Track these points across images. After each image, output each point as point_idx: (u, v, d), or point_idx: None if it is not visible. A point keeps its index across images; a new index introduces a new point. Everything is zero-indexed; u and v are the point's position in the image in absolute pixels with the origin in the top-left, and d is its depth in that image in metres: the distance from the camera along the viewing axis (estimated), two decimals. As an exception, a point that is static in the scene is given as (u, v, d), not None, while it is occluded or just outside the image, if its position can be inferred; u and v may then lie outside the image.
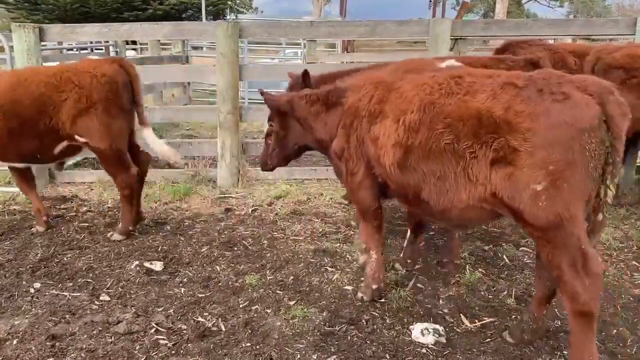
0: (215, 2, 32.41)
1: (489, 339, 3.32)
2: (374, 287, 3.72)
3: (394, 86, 3.27)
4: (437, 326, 3.36)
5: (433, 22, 5.83)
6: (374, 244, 3.70)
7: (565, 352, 3.19)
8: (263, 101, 4.05)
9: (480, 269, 4.25)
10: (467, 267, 4.26)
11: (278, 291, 3.88)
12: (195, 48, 15.76)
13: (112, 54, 8.68)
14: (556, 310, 3.64)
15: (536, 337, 3.25)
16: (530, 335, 3.24)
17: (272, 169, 4.31)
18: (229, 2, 41.32)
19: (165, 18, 25.78)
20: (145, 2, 27.18)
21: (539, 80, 2.73)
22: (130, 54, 15.27)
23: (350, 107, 3.47)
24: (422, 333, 3.29)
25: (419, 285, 4.01)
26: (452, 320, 3.54)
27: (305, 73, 4.47)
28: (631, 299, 3.83)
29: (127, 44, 15.66)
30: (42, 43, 6.21)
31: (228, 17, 18.45)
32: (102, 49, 9.40)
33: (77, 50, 10.62)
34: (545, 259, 2.78)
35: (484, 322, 3.51)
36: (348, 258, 4.44)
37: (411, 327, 3.38)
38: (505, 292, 3.88)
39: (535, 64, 4.47)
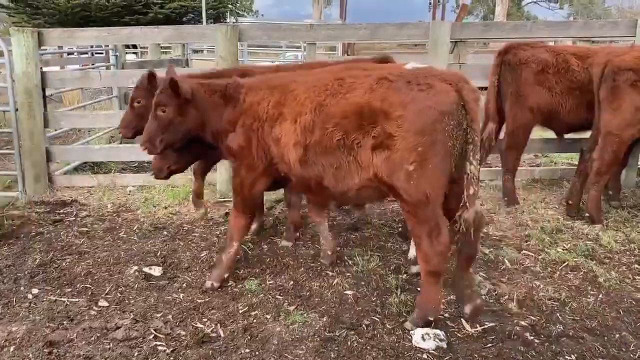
0: (215, 5, 32.48)
1: (490, 344, 3.29)
2: (226, 275, 3.99)
3: (289, 89, 3.57)
4: (438, 331, 3.33)
5: (433, 25, 5.81)
6: (240, 236, 4.04)
7: (567, 357, 3.17)
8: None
9: (481, 273, 4.22)
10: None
11: (278, 296, 3.86)
12: (195, 51, 15.80)
13: (112, 58, 8.66)
14: (558, 315, 3.62)
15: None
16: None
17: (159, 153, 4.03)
18: (230, 6, 41.41)
19: (166, 22, 25.80)
20: (146, 6, 27.22)
21: (407, 74, 3.19)
22: (130, 57, 15.32)
23: (249, 108, 3.69)
24: (423, 338, 3.26)
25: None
26: (453, 325, 3.51)
27: (151, 75, 4.27)
28: (633, 302, 3.80)
29: (128, 47, 15.70)
30: (43, 47, 6.20)
31: (228, 20, 18.42)
32: (102, 53, 9.39)
33: (77, 54, 10.63)
34: (410, 228, 3.39)
35: (485, 326, 3.47)
36: (348, 262, 4.40)
37: (412, 332, 3.35)
38: (507, 296, 3.85)
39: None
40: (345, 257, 4.49)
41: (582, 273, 4.23)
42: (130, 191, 6.28)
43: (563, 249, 4.65)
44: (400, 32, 5.98)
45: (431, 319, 3.35)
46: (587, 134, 5.48)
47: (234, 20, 16.75)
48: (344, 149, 3.29)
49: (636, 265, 4.38)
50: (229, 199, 6.01)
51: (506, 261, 4.45)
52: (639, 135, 4.86)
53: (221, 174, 6.22)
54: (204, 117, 3.87)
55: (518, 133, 5.47)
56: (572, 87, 5.22)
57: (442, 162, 3.08)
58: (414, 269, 4.14)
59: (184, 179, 6.37)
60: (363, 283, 4.07)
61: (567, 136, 6.05)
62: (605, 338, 3.37)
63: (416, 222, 3.21)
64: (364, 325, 3.49)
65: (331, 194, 3.56)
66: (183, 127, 3.89)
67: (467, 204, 3.10)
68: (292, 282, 4.06)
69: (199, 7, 23.60)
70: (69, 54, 10.44)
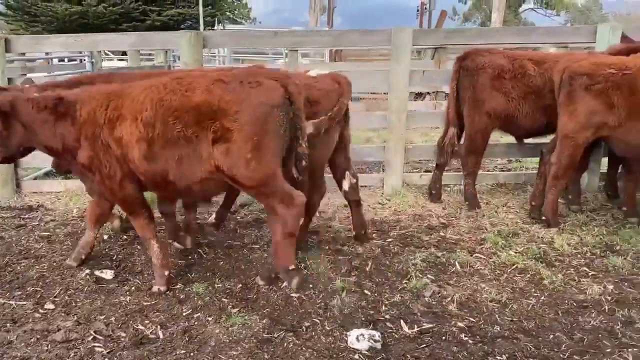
0: (213, 13, 32.71)
1: (424, 345, 3.34)
2: (166, 273, 4.03)
3: (124, 93, 3.72)
4: (374, 332, 3.38)
5: (394, 31, 5.88)
6: (151, 233, 4.04)
7: (498, 357, 3.21)
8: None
9: (429, 275, 4.28)
10: (416, 273, 4.28)
11: (224, 299, 3.90)
12: (179, 58, 15.83)
13: (87, 65, 8.73)
14: (497, 316, 3.67)
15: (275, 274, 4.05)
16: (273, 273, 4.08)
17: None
18: (227, 13, 41.62)
19: (163, 29, 25.95)
20: (144, 13, 27.44)
21: (239, 74, 3.59)
22: (121, 64, 15.40)
23: (87, 119, 3.72)
24: (358, 339, 3.30)
25: (365, 291, 4.03)
26: (392, 326, 3.55)
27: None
28: (574, 304, 3.85)
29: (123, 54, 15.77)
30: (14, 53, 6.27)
31: (216, 27, 18.54)
32: (75, 60, 9.47)
33: (58, 60, 10.71)
34: (263, 204, 3.93)
35: (423, 327, 3.52)
36: (301, 265, 4.44)
37: (348, 333, 3.40)
38: (449, 298, 3.90)
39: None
40: (299, 261, 4.53)
41: (529, 275, 4.28)
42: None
43: (515, 252, 4.70)
44: (364, 39, 6.06)
45: (291, 268, 3.86)
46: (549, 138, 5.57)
47: (222, 27, 16.78)
48: (186, 141, 3.53)
49: (585, 268, 4.43)
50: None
51: (457, 264, 4.49)
52: (593, 138, 4.93)
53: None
54: (31, 131, 3.83)
55: (476, 138, 5.55)
56: (528, 91, 5.30)
57: (275, 147, 3.58)
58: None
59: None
60: (311, 286, 4.11)
61: (530, 141, 6.12)
62: (540, 338, 3.41)
63: (265, 198, 3.73)
64: (303, 327, 3.53)
65: (177, 188, 3.76)
66: (12, 140, 3.86)
67: (299, 176, 3.79)
68: (240, 285, 4.10)
69: (197, 15, 23.79)
70: (34, 60, 10.46)
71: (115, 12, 26.56)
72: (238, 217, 5.67)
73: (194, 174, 3.63)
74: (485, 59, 5.39)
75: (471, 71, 5.47)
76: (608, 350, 3.28)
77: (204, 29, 22.71)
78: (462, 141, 5.89)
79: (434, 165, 6.13)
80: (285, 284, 4.03)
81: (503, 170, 7.61)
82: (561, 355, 3.23)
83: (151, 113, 3.56)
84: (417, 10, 19.57)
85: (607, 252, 4.74)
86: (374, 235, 5.18)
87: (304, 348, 3.29)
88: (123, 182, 3.82)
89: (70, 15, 26.26)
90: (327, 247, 4.87)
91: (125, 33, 6.07)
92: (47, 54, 10.29)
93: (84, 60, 9.09)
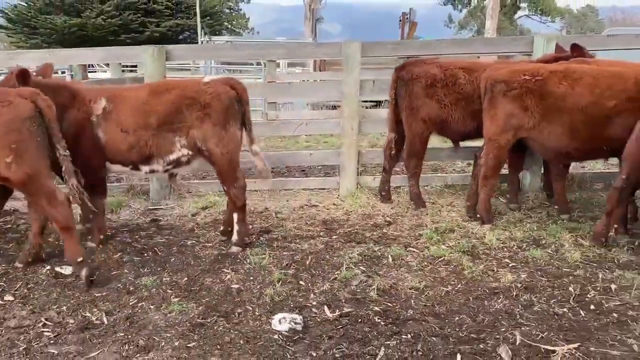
0: (211, 24, 33.25)
1: (341, 326, 3.72)
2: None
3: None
4: (296, 316, 3.76)
5: (344, 44, 6.30)
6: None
7: (404, 335, 3.59)
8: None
9: (362, 267, 4.66)
10: (350, 265, 4.67)
11: (168, 290, 4.28)
12: (169, 70, 16.28)
13: (67, 77, 9.16)
14: (412, 301, 4.05)
15: (34, 259, 4.74)
16: (31, 259, 4.73)
17: None
18: (225, 23, 42.15)
19: (161, 40, 26.48)
20: (142, 24, 27.96)
21: None
22: (104, 75, 15.82)
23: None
24: (280, 322, 3.69)
25: (300, 282, 4.42)
26: (316, 311, 3.93)
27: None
28: (486, 291, 4.23)
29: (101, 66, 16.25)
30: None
31: (200, 39, 19.01)
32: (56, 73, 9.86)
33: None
34: (32, 203, 4.61)
35: (343, 312, 3.91)
36: (248, 260, 4.81)
37: (272, 318, 3.78)
38: (374, 287, 4.28)
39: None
40: (247, 256, 4.91)
41: (452, 266, 4.67)
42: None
43: (446, 246, 5.09)
44: (317, 51, 6.50)
45: (79, 260, 4.35)
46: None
47: (207, 40, 17.26)
48: None
49: (507, 260, 4.82)
50: (159, 207, 6.47)
51: (390, 257, 4.88)
52: (514, 140, 5.34)
53: (153, 183, 6.68)
54: None
55: (415, 142, 5.97)
56: (459, 98, 5.72)
57: (35, 151, 4.14)
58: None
59: (120, 190, 6.83)
60: (252, 278, 4.49)
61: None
62: (446, 320, 3.79)
63: (31, 196, 4.38)
64: (236, 313, 3.92)
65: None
66: None
67: (67, 178, 4.34)
68: (186, 279, 4.49)
69: (195, 26, 24.30)
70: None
71: (114, 24, 27.08)
72: (198, 219, 6.05)
73: None
74: (419, 69, 5.81)
75: (406, 81, 5.88)
76: (503, 329, 3.66)
77: (201, 41, 23.11)
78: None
79: (382, 169, 6.53)
80: (226, 277, 4.44)
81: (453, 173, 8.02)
82: (460, 334, 3.61)
83: None
84: (400, 21, 20.09)
85: (532, 245, 5.13)
86: (321, 233, 5.57)
87: (231, 331, 3.67)
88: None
89: (70, 28, 26.76)
90: (276, 244, 5.25)
91: (94, 48, 6.46)
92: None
93: (65, 73, 9.55)
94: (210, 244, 5.27)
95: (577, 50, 5.95)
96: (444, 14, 64.28)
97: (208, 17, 32.01)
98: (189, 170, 5.77)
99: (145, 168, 4.96)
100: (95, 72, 19.20)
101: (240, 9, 55.64)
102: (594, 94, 4.95)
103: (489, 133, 5.38)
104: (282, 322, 3.69)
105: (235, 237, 5.07)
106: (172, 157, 4.87)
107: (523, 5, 56.53)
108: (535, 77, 5.06)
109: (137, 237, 5.51)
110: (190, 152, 4.87)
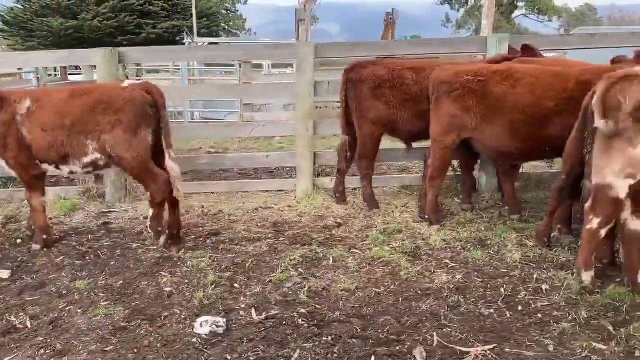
0: (208, 25, 33.23)
1: (264, 329, 3.71)
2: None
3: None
4: (219, 319, 3.75)
5: (298, 45, 6.31)
6: None
7: (325, 338, 3.58)
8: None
9: (300, 269, 4.65)
10: (288, 267, 4.66)
11: (100, 294, 4.27)
12: (149, 72, 16.30)
13: (33, 80, 9.15)
14: (341, 303, 4.04)
15: None
16: None
17: None
18: (222, 24, 42.07)
19: (157, 42, 26.53)
20: (139, 26, 28.05)
21: None
22: (77, 78, 15.83)
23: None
24: (201, 325, 3.68)
25: (235, 284, 4.41)
26: (243, 314, 3.92)
27: None
28: (419, 292, 4.21)
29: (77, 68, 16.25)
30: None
31: (185, 41, 18.93)
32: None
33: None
34: None
35: (270, 314, 3.90)
36: (187, 264, 4.79)
37: (195, 321, 3.77)
38: (306, 288, 4.27)
39: None
40: (187, 259, 4.90)
41: (390, 268, 4.66)
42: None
43: (390, 248, 5.08)
44: (274, 53, 6.49)
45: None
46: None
47: (190, 42, 17.25)
48: None
49: (447, 261, 4.81)
50: (113, 210, 6.46)
51: (331, 258, 4.87)
52: (458, 140, 5.33)
53: (108, 186, 6.66)
54: None
55: (366, 143, 5.97)
56: (406, 99, 5.72)
57: None
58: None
59: (77, 192, 6.82)
60: (187, 281, 4.48)
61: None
62: (371, 322, 3.78)
63: None
64: (162, 317, 3.90)
65: None
66: None
67: None
68: (121, 282, 4.48)
69: (191, 27, 24.35)
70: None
71: (110, 26, 27.24)
72: (148, 222, 6.03)
73: None
74: (367, 70, 5.82)
75: (355, 83, 5.88)
76: (424, 330, 3.65)
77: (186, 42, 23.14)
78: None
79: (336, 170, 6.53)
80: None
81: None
82: (380, 336, 3.60)
83: None
84: (385, 21, 20.10)
85: (477, 246, 5.13)
86: (270, 235, 5.56)
87: (153, 334, 3.66)
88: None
89: (66, 30, 26.92)
90: (221, 246, 5.24)
91: (47, 51, 6.46)
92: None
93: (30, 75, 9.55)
94: (155, 247, 5.25)
95: (528, 51, 5.96)
96: (441, 14, 64.48)
97: (205, 19, 32.14)
98: (115, 173, 5.76)
99: (65, 168, 5.06)
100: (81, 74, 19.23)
101: (237, 10, 55.71)
102: (534, 94, 4.95)
103: (434, 134, 5.38)
104: (204, 325, 3.67)
105: (161, 237, 5.20)
106: (87, 159, 4.94)
107: (520, 4, 56.63)
108: (477, 77, 5.07)
109: (84, 240, 5.50)
110: (102, 157, 4.92)
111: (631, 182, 3.76)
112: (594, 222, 3.99)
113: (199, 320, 3.74)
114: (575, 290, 4.09)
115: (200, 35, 26.47)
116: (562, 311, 3.86)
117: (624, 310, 3.81)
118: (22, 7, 29.33)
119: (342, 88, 6.01)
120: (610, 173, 3.83)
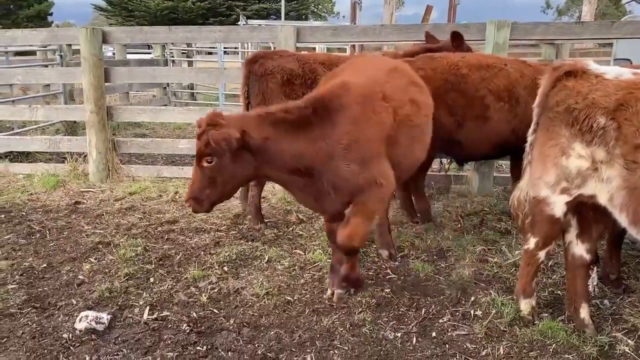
0: (296, 7, 33.75)
1: (144, 331, 3.48)
2: None
3: None
4: (102, 314, 3.56)
5: (280, 28, 5.95)
6: None
7: (199, 347, 3.30)
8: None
9: (225, 268, 4.38)
10: (214, 265, 4.41)
11: (17, 276, 4.23)
12: (199, 52, 16.49)
13: (57, 57, 9.38)
14: (242, 309, 3.73)
15: None
16: None
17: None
18: (311, 7, 42.45)
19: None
20: (230, 8, 29.10)
21: None
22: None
23: None
24: (80, 320, 3.50)
25: (150, 279, 4.21)
26: (137, 312, 3.71)
27: None
28: (332, 305, 3.81)
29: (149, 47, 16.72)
30: None
31: (240, 22, 18.92)
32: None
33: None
34: None
35: (161, 314, 3.67)
36: (119, 252, 4.64)
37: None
38: (216, 290, 4.00)
39: None
40: (128, 248, 4.77)
41: (320, 274, 4.28)
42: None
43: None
44: (252, 35, 6.17)
45: None
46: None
47: (243, 23, 17.14)
48: None
49: (388, 271, 4.35)
50: (91, 189, 6.49)
51: (266, 258, 4.56)
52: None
53: (90, 165, 6.71)
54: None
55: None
56: None
57: None
58: None
59: (65, 170, 6.94)
60: (106, 270, 4.35)
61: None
62: (261, 334, 3.45)
63: None
64: (57, 306, 3.79)
65: None
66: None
67: None
68: (45, 265, 4.43)
69: (279, 8, 24.89)
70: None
71: (203, 8, 28.74)
72: (117, 205, 5.99)
73: None
74: (274, 62, 5.00)
75: (259, 76, 5.02)
76: (309, 350, 3.28)
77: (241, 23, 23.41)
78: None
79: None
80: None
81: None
82: (259, 351, 3.27)
83: None
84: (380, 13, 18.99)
85: (433, 256, 4.62)
86: (223, 227, 5.33)
87: (33, 325, 3.53)
88: None
89: (162, 11, 28.69)
90: (167, 236, 5.08)
91: (37, 29, 6.56)
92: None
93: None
94: (102, 232, 5.18)
95: (457, 40, 5.26)
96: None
97: (294, 2, 32.68)
98: None
99: None
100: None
101: (326, -6, 55.87)
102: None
103: None
104: (83, 320, 3.50)
105: None
106: None
107: (629, -11, 52.60)
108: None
109: (44, 218, 5.54)
110: None
111: (567, 198, 3.14)
112: (531, 242, 3.41)
113: (82, 314, 3.58)
114: (507, 319, 3.53)
115: (287, 17, 26.70)
116: (478, 344, 3.33)
117: (551, 350, 3.23)
118: (123, -12, 31.40)
119: (244, 82, 5.14)
120: (544, 186, 3.23)
